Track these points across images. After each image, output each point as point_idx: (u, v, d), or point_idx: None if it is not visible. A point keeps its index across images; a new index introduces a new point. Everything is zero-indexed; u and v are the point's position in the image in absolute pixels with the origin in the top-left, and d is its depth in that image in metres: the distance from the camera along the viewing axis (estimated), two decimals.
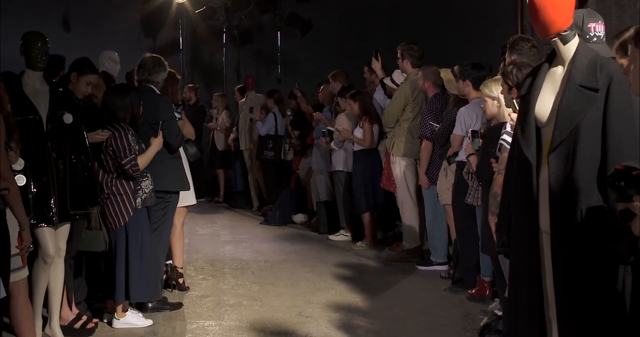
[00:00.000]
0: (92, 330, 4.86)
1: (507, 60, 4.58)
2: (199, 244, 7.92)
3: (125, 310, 5.00)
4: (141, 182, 4.95)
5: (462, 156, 5.58)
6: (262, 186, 10.29)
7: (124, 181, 4.89)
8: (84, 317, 4.90)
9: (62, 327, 4.66)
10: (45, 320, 4.59)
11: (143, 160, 4.92)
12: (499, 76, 4.52)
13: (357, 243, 7.73)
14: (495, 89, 4.65)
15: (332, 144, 7.97)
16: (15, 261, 3.77)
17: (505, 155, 3.85)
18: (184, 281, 6.00)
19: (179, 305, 5.48)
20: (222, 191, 11.19)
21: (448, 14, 10.21)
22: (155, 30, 12.64)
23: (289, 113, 9.50)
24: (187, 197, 5.77)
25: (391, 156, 7.05)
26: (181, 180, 5.48)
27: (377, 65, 7.34)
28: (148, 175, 5.00)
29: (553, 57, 3.01)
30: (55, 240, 4.38)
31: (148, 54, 5.64)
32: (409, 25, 10.95)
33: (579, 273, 2.79)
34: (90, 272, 5.22)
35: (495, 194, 4.10)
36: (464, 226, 5.68)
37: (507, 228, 3.14)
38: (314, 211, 8.89)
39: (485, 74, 5.65)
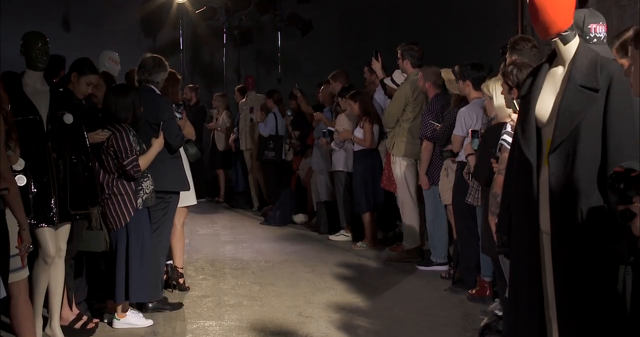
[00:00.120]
0: (93, 330, 4.86)
1: (508, 60, 4.58)
2: (199, 244, 7.92)
3: (125, 310, 5.00)
4: (142, 183, 4.95)
5: (462, 156, 5.58)
6: (263, 186, 10.29)
7: (125, 182, 4.90)
8: (84, 318, 4.91)
9: (62, 327, 4.66)
10: (46, 320, 4.59)
11: (144, 161, 4.92)
12: (499, 76, 4.52)
13: (358, 243, 7.73)
14: (491, 88, 4.65)
15: (333, 144, 7.97)
16: (15, 261, 3.77)
17: (505, 155, 3.85)
18: (184, 281, 6.00)
19: (179, 305, 5.49)
20: (222, 191, 11.20)
21: (448, 14, 10.21)
22: (155, 30, 12.65)
23: (289, 113, 9.50)
24: (188, 198, 5.77)
25: (391, 156, 7.05)
26: (181, 180, 5.48)
27: (377, 65, 7.34)
28: (149, 175, 5.00)
29: (553, 58, 3.01)
30: (55, 240, 4.38)
31: (148, 54, 5.64)
32: (409, 25, 10.94)
33: (579, 273, 2.79)
34: (90, 272, 5.22)
35: (496, 194, 4.10)
36: (464, 226, 5.68)
37: (507, 228, 3.14)
38: (314, 211, 8.90)
39: (485, 74, 5.65)
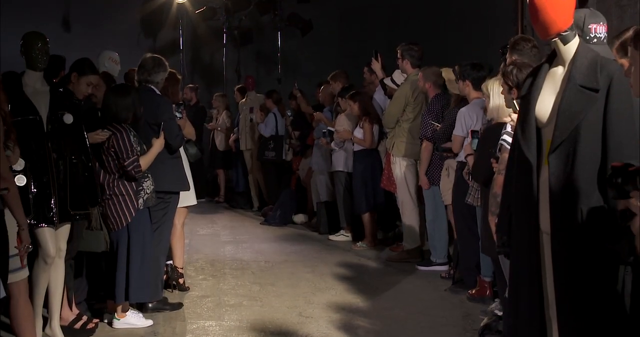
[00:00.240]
0: (93, 330, 4.86)
1: (508, 60, 4.57)
2: (199, 245, 7.92)
3: (125, 310, 5.00)
4: (143, 183, 4.95)
5: (462, 156, 5.58)
6: (263, 186, 10.29)
7: (126, 182, 4.90)
8: (84, 318, 4.91)
9: (62, 327, 4.66)
10: (46, 320, 4.59)
11: (145, 161, 4.92)
12: (499, 76, 4.51)
13: (358, 243, 7.73)
14: (489, 88, 4.64)
15: (333, 145, 7.97)
16: (15, 262, 3.77)
17: (505, 155, 3.85)
18: (184, 281, 6.00)
19: (179, 305, 5.49)
20: (222, 191, 11.20)
21: (448, 14, 10.21)
22: (155, 30, 12.65)
23: (289, 113, 9.50)
24: (188, 198, 5.77)
25: (391, 156, 7.05)
26: (181, 180, 5.47)
27: (377, 65, 7.34)
28: (149, 175, 5.00)
29: (553, 58, 3.01)
30: (55, 240, 4.38)
31: (148, 54, 5.63)
32: (409, 25, 10.94)
33: (579, 273, 2.79)
34: (91, 272, 5.22)
35: (495, 194, 4.10)
36: (464, 226, 5.68)
37: (507, 228, 3.14)
38: (314, 211, 8.90)
39: (485, 74, 5.64)
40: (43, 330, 4.52)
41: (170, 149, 5.29)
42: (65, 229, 4.50)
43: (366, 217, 7.72)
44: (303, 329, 4.99)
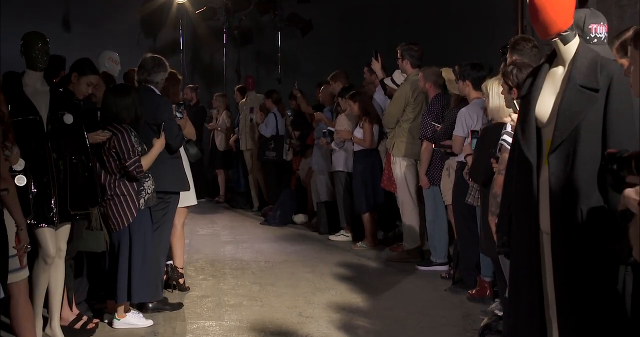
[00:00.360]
0: (93, 330, 4.86)
1: (508, 60, 4.57)
2: (199, 245, 7.92)
3: (127, 310, 5.00)
4: (144, 183, 4.96)
5: (462, 156, 5.57)
6: (263, 186, 10.29)
7: (127, 182, 4.90)
8: (85, 318, 4.91)
9: (62, 327, 4.66)
10: (46, 320, 4.59)
11: (146, 161, 4.93)
12: (499, 76, 4.51)
13: (358, 243, 7.73)
14: (489, 87, 4.64)
15: (333, 145, 7.97)
16: (15, 262, 3.77)
17: (505, 155, 3.85)
18: (184, 281, 6.00)
19: (179, 305, 5.49)
20: (222, 191, 11.20)
21: (448, 14, 10.21)
22: (155, 30, 12.65)
23: (289, 113, 9.50)
24: (188, 198, 5.77)
25: (391, 156, 7.05)
26: (181, 180, 5.47)
27: (376, 65, 7.34)
28: (150, 175, 5.00)
29: (553, 58, 3.01)
30: (55, 240, 4.38)
31: (149, 55, 5.63)
32: (409, 25, 10.94)
33: (579, 273, 2.79)
34: (91, 272, 5.22)
35: (495, 195, 4.10)
36: (464, 226, 5.68)
37: (507, 228, 3.14)
38: (314, 211, 8.90)
39: (485, 74, 5.64)
40: (43, 330, 4.52)
41: (170, 149, 5.29)
42: (66, 229, 4.50)
43: (366, 217, 7.72)
44: (303, 329, 4.99)
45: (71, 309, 4.93)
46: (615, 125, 2.76)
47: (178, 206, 5.55)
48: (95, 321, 4.97)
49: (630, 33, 3.01)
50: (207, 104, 11.74)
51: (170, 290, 5.87)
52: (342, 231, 8.15)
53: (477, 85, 5.44)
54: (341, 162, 8.01)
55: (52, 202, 4.30)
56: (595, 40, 3.03)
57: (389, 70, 7.36)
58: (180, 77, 6.21)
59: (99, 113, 5.12)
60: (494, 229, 3.85)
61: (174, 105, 5.53)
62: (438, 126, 6.25)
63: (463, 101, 5.93)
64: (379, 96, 7.71)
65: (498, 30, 8.20)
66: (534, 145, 2.94)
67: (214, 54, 13.04)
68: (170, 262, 5.88)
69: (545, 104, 2.95)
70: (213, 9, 12.23)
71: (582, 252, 2.77)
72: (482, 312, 5.12)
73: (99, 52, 6.57)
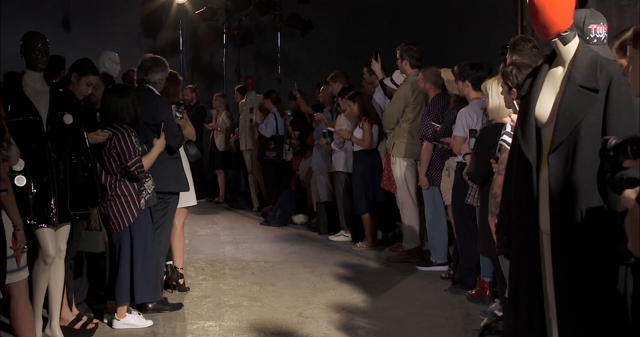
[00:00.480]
0: (93, 331, 4.86)
1: (508, 60, 4.57)
2: (199, 245, 7.92)
3: (127, 311, 5.00)
4: (144, 183, 4.95)
5: (461, 157, 5.57)
6: (262, 187, 10.29)
7: (127, 182, 4.90)
8: (84, 318, 4.91)
9: (62, 327, 4.66)
10: (46, 321, 4.59)
11: (147, 162, 4.92)
12: (499, 76, 4.51)
13: (358, 244, 7.73)
14: (489, 87, 4.63)
15: (333, 145, 7.97)
16: (12, 263, 3.77)
17: (505, 155, 3.85)
18: (184, 282, 6.00)
19: (179, 306, 5.48)
20: (222, 191, 11.20)
21: (448, 14, 10.22)
22: (155, 30, 12.65)
23: (288, 114, 9.50)
24: (188, 198, 5.77)
25: (391, 157, 7.05)
26: (180, 181, 5.47)
27: (376, 66, 7.34)
28: (150, 175, 5.00)
29: (553, 58, 3.01)
30: (55, 240, 4.38)
31: (149, 55, 5.64)
32: (408, 25, 10.96)
33: (579, 274, 2.79)
34: (91, 272, 5.22)
35: (495, 195, 4.09)
36: (463, 226, 5.68)
37: (507, 228, 3.14)
38: (314, 211, 8.90)
39: (484, 74, 5.64)
40: (43, 330, 4.52)
41: (170, 150, 5.29)
42: (65, 229, 4.50)
43: (366, 217, 7.72)
44: (303, 329, 4.99)
45: (71, 309, 4.93)
46: (615, 126, 2.75)
47: (178, 207, 5.55)
48: (95, 321, 4.97)
49: (629, 33, 3.01)
50: (207, 104, 11.75)
51: (170, 290, 5.87)
52: (342, 231, 8.15)
53: (477, 85, 5.44)
54: (341, 162, 8.01)
55: (52, 202, 4.30)
56: (595, 40, 3.03)
57: (388, 70, 7.37)
58: (180, 77, 6.20)
59: (97, 114, 5.11)
60: (493, 229, 3.84)
61: (174, 106, 5.53)
62: (438, 126, 6.25)
63: (462, 101, 5.93)
64: (378, 96, 7.71)
65: (498, 31, 8.22)
66: (533, 146, 2.94)
67: (214, 54, 13.05)
68: (170, 262, 5.88)
69: (545, 105, 2.95)
70: (213, 9, 12.23)
71: (582, 252, 2.77)
72: (482, 312, 5.13)
73: (99, 52, 6.58)
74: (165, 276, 5.64)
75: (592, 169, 2.76)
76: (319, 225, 8.59)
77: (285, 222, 9.12)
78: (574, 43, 2.91)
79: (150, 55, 5.62)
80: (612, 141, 2.25)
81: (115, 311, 5.00)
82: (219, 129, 11.00)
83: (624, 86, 2.72)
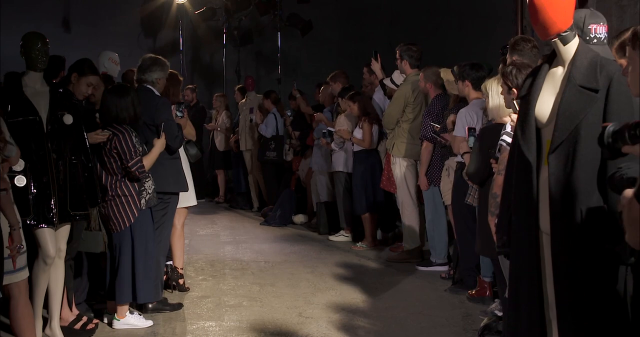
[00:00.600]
0: (93, 331, 4.86)
1: (508, 60, 4.57)
2: (199, 245, 7.92)
3: (127, 311, 5.00)
4: (145, 183, 4.95)
5: (459, 156, 5.56)
6: (262, 187, 10.29)
7: (128, 183, 4.90)
8: (84, 318, 4.91)
9: (62, 328, 4.66)
10: (46, 321, 4.59)
11: (148, 162, 4.93)
12: (498, 76, 4.51)
13: (358, 244, 7.73)
14: (488, 87, 4.63)
15: (333, 145, 7.97)
16: (9, 263, 3.76)
17: (505, 155, 3.85)
18: (184, 282, 6.00)
19: (179, 306, 5.48)
20: (222, 191, 11.20)
21: (448, 14, 10.23)
22: (155, 30, 12.66)
23: (288, 114, 9.50)
24: (188, 198, 5.77)
25: (391, 157, 7.05)
26: (180, 181, 5.47)
27: (376, 66, 7.33)
28: (150, 175, 5.00)
29: (553, 58, 3.01)
30: (55, 241, 4.38)
31: (149, 55, 5.63)
32: (408, 25, 10.96)
33: (579, 274, 2.78)
34: (91, 272, 5.22)
35: (494, 195, 4.09)
36: (463, 226, 5.68)
37: (507, 228, 3.14)
38: (314, 211, 8.90)
39: (484, 74, 5.63)
40: (43, 330, 4.52)
41: (169, 150, 5.29)
42: (65, 229, 4.50)
43: (366, 217, 7.72)
44: (303, 329, 4.99)
45: (71, 309, 4.93)
46: None
47: (178, 207, 5.55)
48: (95, 321, 4.97)
49: (629, 34, 3.01)
50: (207, 104, 11.75)
51: (170, 290, 5.87)
52: (342, 232, 8.15)
53: (477, 85, 5.43)
54: (341, 162, 8.01)
55: (52, 202, 4.30)
56: (595, 40, 3.03)
57: (388, 70, 7.37)
58: (181, 78, 6.21)
59: (97, 114, 5.11)
60: (493, 229, 3.84)
61: (174, 105, 5.53)
62: (437, 126, 6.25)
63: (462, 101, 5.93)
64: (378, 97, 7.70)
65: (498, 31, 8.22)
66: (533, 146, 2.94)
67: (214, 54, 13.05)
68: (170, 262, 5.88)
69: (544, 105, 2.95)
70: (213, 9, 12.23)
71: (582, 252, 2.77)
72: (482, 312, 5.13)
73: (99, 52, 6.57)
74: (165, 276, 5.64)
75: (592, 169, 2.76)
76: (319, 225, 8.59)
77: (285, 223, 9.12)
78: (574, 43, 2.91)
79: (150, 55, 5.62)
80: (611, 128, 2.25)
81: (115, 311, 5.00)
82: (219, 129, 11.00)
83: (624, 86, 2.72)
